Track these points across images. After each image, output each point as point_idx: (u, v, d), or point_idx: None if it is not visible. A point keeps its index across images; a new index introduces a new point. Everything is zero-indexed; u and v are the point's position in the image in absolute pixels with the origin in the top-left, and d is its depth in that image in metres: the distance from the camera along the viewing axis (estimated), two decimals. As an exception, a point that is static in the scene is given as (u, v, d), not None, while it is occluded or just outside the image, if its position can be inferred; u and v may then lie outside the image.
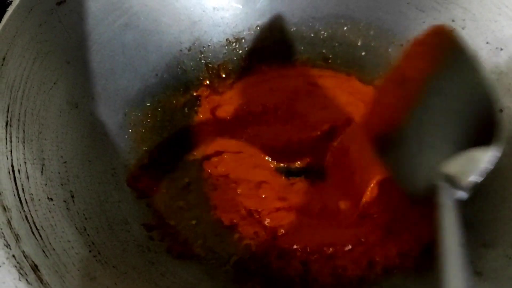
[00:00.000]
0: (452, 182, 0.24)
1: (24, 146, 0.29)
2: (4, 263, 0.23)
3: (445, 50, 0.26)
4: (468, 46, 0.26)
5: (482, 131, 0.24)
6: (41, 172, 0.30)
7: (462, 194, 0.24)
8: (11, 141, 0.29)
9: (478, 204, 0.34)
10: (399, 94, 0.29)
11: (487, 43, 0.38)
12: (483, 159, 0.24)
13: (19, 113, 0.30)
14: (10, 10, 0.31)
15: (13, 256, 0.24)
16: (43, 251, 0.26)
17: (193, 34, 0.43)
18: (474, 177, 0.24)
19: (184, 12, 0.42)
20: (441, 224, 0.22)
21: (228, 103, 0.42)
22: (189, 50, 0.44)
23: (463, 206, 0.34)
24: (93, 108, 0.37)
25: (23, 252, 0.25)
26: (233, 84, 0.44)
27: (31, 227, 0.26)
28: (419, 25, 0.42)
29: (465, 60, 0.25)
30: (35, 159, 0.30)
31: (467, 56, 0.25)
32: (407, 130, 0.27)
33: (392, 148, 0.28)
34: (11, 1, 0.32)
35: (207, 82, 0.44)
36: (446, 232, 0.22)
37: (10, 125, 0.29)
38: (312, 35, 0.45)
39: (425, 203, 0.26)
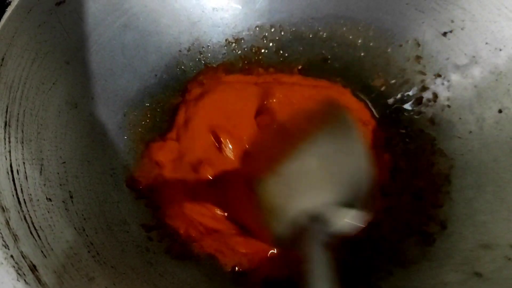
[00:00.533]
0: (322, 223, 0.26)
1: (23, 146, 0.29)
2: (2, 263, 0.23)
3: (332, 117, 0.29)
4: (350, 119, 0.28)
5: (353, 194, 0.26)
6: (40, 172, 0.30)
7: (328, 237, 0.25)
8: (9, 142, 0.29)
9: (476, 205, 0.34)
10: (277, 142, 0.32)
11: (487, 43, 0.38)
12: (348, 217, 0.26)
13: (18, 114, 0.30)
14: (9, 10, 0.32)
15: (12, 256, 0.24)
16: (42, 252, 0.26)
17: (192, 35, 0.43)
18: (341, 227, 0.26)
19: (183, 12, 0.42)
20: (311, 265, 0.23)
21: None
22: (188, 50, 0.44)
23: (463, 207, 0.35)
24: (92, 108, 0.37)
25: (22, 252, 0.25)
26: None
27: (29, 227, 0.26)
28: (419, 26, 0.42)
29: (347, 129, 0.28)
30: (34, 159, 0.30)
31: (349, 124, 0.28)
32: (283, 175, 0.28)
33: (267, 188, 0.29)
34: (10, 2, 0.32)
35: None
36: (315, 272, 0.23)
37: (9, 126, 0.29)
38: (311, 36, 0.45)
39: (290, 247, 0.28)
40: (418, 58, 0.42)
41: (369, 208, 0.26)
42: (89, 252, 0.29)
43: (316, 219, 0.26)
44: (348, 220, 0.26)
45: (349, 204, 0.26)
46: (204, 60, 0.44)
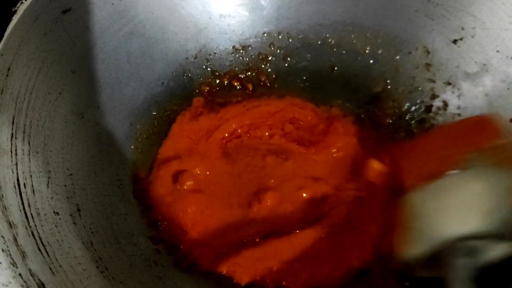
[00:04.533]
0: (472, 256, 0.23)
1: (29, 158, 0.29)
2: (10, 282, 0.23)
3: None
4: None
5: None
6: (47, 185, 0.29)
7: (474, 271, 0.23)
8: (16, 154, 0.28)
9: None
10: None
11: (498, 51, 0.38)
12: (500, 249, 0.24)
13: (24, 125, 0.30)
14: (15, 19, 0.31)
15: (20, 274, 0.23)
16: (50, 268, 0.25)
17: (199, 42, 0.43)
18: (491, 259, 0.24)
19: (190, 19, 0.42)
20: None
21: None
22: (195, 58, 0.43)
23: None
24: (98, 118, 0.36)
25: (30, 270, 0.24)
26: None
27: (37, 243, 0.26)
28: (428, 33, 0.41)
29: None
30: (41, 172, 0.29)
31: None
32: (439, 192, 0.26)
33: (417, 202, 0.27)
34: (16, 10, 0.31)
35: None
36: None
37: (15, 138, 0.29)
38: (319, 42, 0.45)
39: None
40: (428, 65, 0.42)
41: None
42: (97, 267, 0.28)
43: (468, 251, 0.23)
44: (500, 252, 0.23)
45: (500, 235, 0.24)
46: (211, 68, 0.44)
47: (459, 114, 0.40)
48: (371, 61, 0.44)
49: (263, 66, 0.45)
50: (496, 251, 0.23)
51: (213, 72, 0.44)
